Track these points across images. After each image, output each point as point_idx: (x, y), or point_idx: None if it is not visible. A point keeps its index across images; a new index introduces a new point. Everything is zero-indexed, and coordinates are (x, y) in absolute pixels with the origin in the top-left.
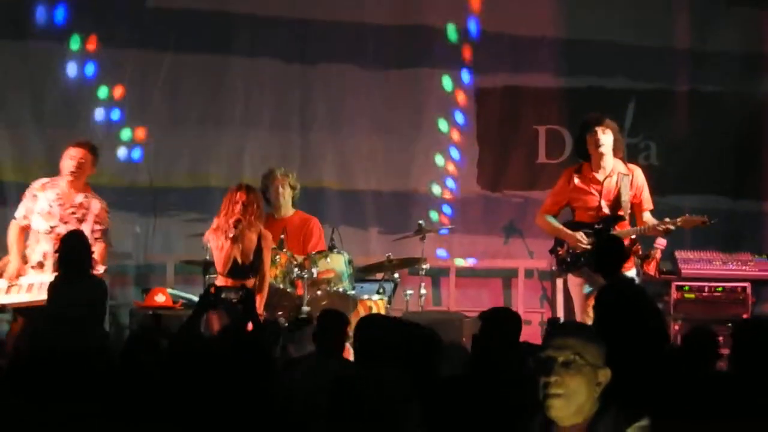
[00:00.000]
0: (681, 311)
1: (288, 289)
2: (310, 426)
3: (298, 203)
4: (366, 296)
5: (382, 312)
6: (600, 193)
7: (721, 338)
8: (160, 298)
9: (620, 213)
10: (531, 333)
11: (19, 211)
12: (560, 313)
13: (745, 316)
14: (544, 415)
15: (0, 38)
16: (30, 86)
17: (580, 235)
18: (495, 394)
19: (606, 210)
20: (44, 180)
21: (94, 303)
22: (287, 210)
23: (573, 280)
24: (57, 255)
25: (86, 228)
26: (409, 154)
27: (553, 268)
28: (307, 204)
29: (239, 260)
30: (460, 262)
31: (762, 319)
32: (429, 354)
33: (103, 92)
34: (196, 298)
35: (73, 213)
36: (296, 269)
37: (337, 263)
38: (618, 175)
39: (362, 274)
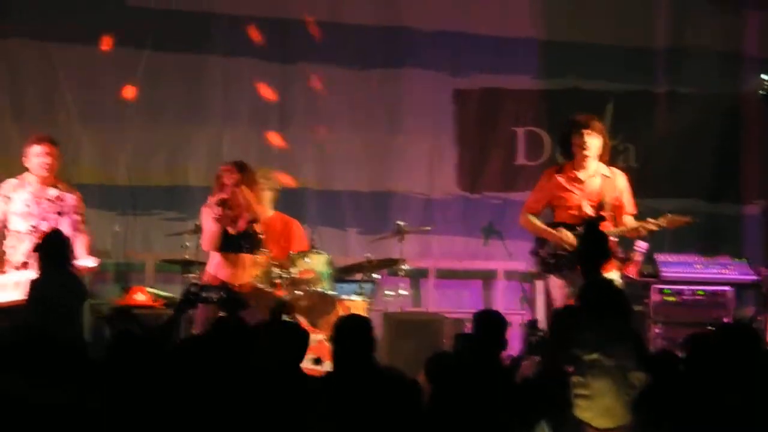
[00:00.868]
0: (661, 314)
1: (268, 290)
2: None
3: (276, 203)
4: (346, 296)
5: (362, 313)
6: (582, 191)
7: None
8: (140, 297)
9: (602, 213)
10: (511, 335)
11: None
12: (540, 315)
13: (726, 319)
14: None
15: None
16: (9, 83)
17: (565, 233)
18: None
19: (588, 210)
20: (14, 181)
21: (71, 299)
22: (266, 212)
23: (555, 282)
24: (35, 252)
25: (66, 221)
26: (388, 155)
27: (534, 269)
28: (285, 204)
29: (229, 230)
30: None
31: (742, 324)
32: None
33: None
34: (176, 297)
35: (51, 208)
36: (276, 269)
37: (317, 263)
38: (601, 177)
39: (342, 274)
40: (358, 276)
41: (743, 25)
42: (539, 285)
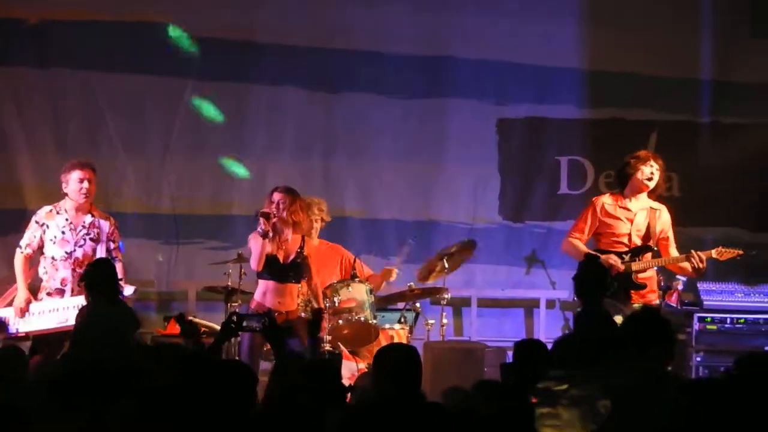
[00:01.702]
0: (703, 343)
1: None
2: None
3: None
4: (388, 325)
5: (404, 341)
6: (631, 222)
7: None
8: None
9: (650, 243)
10: None
11: (24, 241)
12: None
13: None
14: None
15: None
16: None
17: (613, 257)
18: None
19: (636, 240)
20: (48, 208)
21: (124, 330)
22: (313, 240)
23: None
24: (84, 283)
25: (102, 247)
26: (432, 184)
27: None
28: (329, 232)
29: (279, 259)
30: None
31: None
32: None
33: None
34: (217, 327)
35: (87, 234)
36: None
37: (359, 292)
38: (648, 209)
39: (384, 303)
40: (401, 305)
41: None
42: None
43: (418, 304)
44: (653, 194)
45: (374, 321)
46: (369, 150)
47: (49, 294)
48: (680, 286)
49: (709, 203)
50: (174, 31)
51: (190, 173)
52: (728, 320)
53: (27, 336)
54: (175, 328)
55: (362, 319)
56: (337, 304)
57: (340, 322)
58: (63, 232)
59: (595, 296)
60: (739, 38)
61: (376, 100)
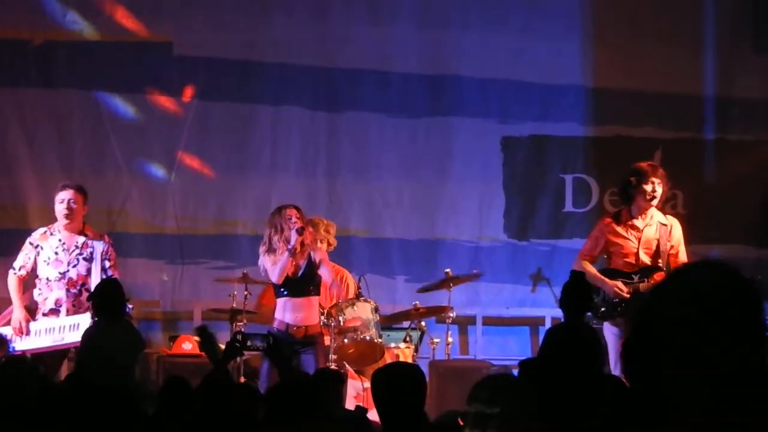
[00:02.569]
0: None
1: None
2: None
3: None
4: (393, 344)
5: (409, 360)
6: (639, 240)
7: None
8: (187, 346)
9: (659, 263)
10: None
11: (17, 262)
12: None
13: None
14: None
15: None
16: (57, 135)
17: (620, 285)
18: None
19: (644, 258)
20: (42, 229)
21: (131, 349)
22: None
23: (609, 329)
24: (92, 301)
25: (96, 266)
26: (436, 202)
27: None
28: (333, 251)
29: (294, 274)
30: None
31: None
32: None
33: None
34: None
35: (80, 254)
36: (323, 318)
37: (364, 311)
38: (657, 225)
39: (389, 322)
40: (406, 323)
41: None
42: None
43: (423, 323)
44: (660, 204)
45: (380, 340)
46: (373, 169)
47: (44, 314)
48: None
49: (715, 220)
50: None
51: (194, 193)
52: None
53: (24, 354)
54: (180, 348)
55: (368, 338)
56: (342, 323)
57: (346, 341)
58: (56, 253)
59: (572, 312)
60: (742, 54)
61: (380, 118)
